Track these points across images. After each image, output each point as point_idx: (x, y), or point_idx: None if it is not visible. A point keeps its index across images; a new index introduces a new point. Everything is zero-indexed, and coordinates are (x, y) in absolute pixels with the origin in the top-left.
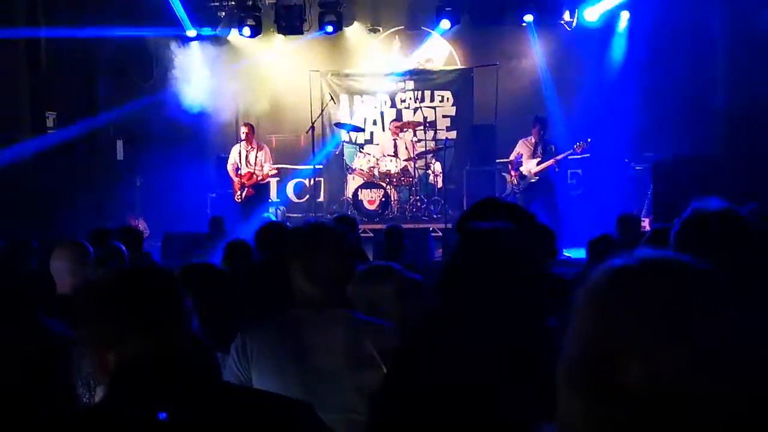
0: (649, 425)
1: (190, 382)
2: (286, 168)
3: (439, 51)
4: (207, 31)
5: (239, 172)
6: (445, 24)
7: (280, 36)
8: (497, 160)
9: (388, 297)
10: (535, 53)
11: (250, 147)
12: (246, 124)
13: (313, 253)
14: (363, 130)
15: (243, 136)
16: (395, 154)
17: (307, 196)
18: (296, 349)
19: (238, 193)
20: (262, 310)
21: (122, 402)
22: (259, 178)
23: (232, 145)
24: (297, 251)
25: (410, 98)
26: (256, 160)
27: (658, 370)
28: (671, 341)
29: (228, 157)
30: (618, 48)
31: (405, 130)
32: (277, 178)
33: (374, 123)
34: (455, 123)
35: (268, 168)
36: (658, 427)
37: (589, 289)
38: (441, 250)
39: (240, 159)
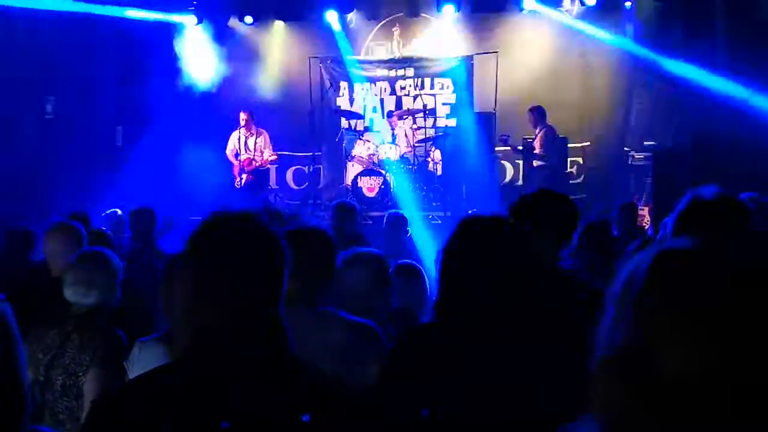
0: (690, 414)
1: (262, 357)
2: (286, 155)
3: (439, 38)
4: (206, 16)
5: (239, 158)
6: (449, 10)
7: (281, 22)
8: (497, 148)
9: (367, 284)
10: (535, 40)
11: (249, 133)
12: (245, 111)
13: (300, 251)
14: (363, 117)
15: (242, 123)
16: (394, 142)
17: (306, 183)
18: None
19: (238, 179)
20: None
21: (193, 373)
22: (258, 164)
23: (232, 132)
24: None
25: (410, 85)
26: (255, 146)
27: (701, 359)
28: (715, 330)
29: (227, 143)
30: (618, 36)
31: (404, 117)
32: (276, 165)
33: (374, 110)
34: (455, 111)
35: (268, 154)
36: (700, 417)
37: (629, 278)
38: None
39: (239, 145)
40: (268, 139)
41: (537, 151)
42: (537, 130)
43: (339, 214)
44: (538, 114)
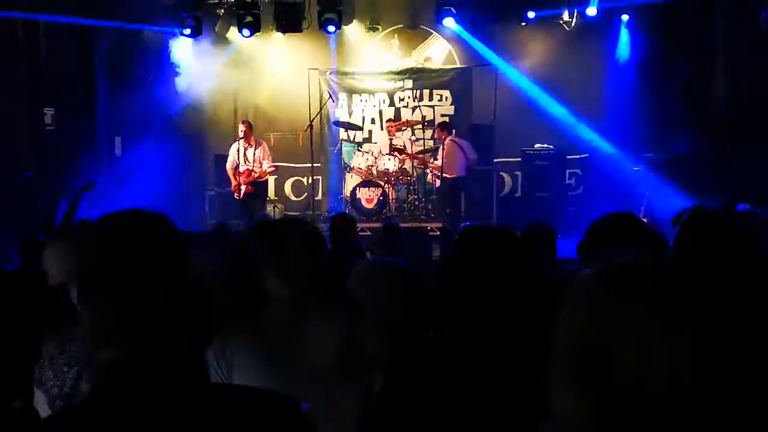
0: (644, 415)
1: (176, 386)
2: (285, 166)
3: (438, 50)
4: (205, 28)
5: (239, 170)
6: (449, 23)
7: (279, 34)
8: (495, 160)
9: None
10: (533, 52)
11: (248, 144)
12: (244, 122)
13: (283, 252)
14: (361, 128)
15: (241, 134)
16: (393, 153)
17: (305, 195)
18: (275, 348)
19: (237, 193)
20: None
21: (103, 404)
22: (257, 176)
23: (231, 143)
24: (267, 251)
25: (409, 97)
26: (254, 157)
27: (651, 360)
28: (660, 333)
29: (227, 155)
30: (617, 48)
31: (403, 129)
32: (276, 176)
33: (372, 122)
34: (454, 122)
35: (267, 165)
36: (654, 418)
37: (583, 288)
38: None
39: (239, 156)
40: (267, 150)
41: (438, 163)
42: (442, 144)
43: (337, 225)
44: (442, 128)
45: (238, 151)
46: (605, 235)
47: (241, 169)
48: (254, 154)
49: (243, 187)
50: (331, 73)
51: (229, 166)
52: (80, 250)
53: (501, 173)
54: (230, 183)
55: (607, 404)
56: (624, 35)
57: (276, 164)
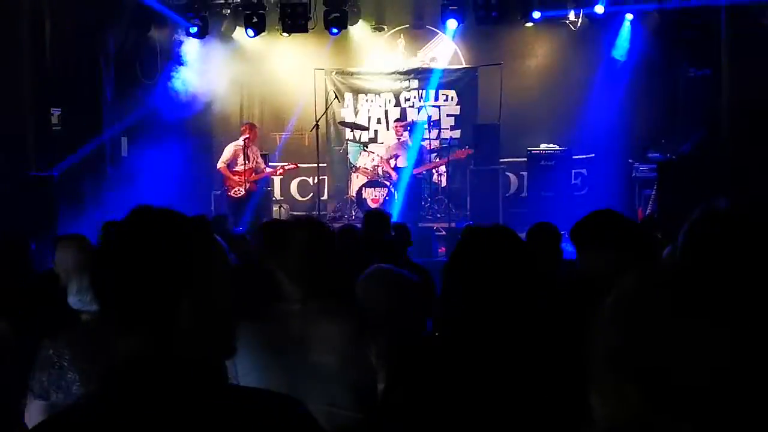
0: (697, 411)
1: (190, 386)
2: (290, 166)
3: (443, 50)
4: (211, 28)
5: (233, 169)
6: (452, 23)
7: (285, 34)
8: (501, 160)
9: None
10: (539, 52)
11: (250, 144)
12: (252, 124)
13: (285, 250)
14: (367, 128)
15: (251, 135)
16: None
17: (311, 195)
18: (279, 343)
19: (235, 189)
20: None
21: (114, 400)
22: (260, 174)
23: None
24: (272, 249)
25: (414, 97)
26: (252, 156)
27: (704, 354)
28: (711, 335)
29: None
30: (622, 48)
31: (409, 129)
32: (281, 176)
33: (378, 122)
34: (459, 122)
35: (263, 163)
36: (706, 414)
37: (632, 292)
38: (444, 249)
39: (243, 155)
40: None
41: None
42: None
43: (370, 222)
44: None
45: (242, 150)
46: (585, 235)
47: (245, 168)
48: (253, 152)
49: (243, 186)
50: (336, 73)
51: (221, 165)
52: (105, 243)
53: (507, 173)
54: (224, 181)
55: (660, 404)
56: (629, 35)
57: (281, 165)
